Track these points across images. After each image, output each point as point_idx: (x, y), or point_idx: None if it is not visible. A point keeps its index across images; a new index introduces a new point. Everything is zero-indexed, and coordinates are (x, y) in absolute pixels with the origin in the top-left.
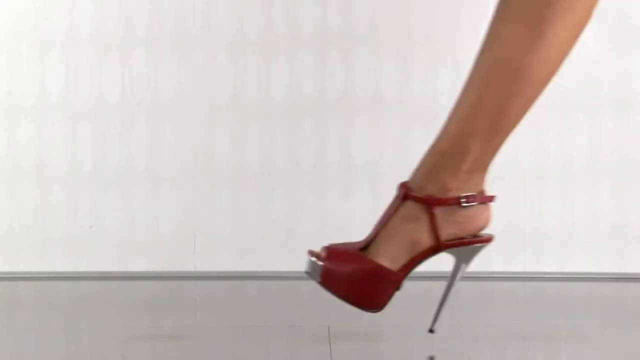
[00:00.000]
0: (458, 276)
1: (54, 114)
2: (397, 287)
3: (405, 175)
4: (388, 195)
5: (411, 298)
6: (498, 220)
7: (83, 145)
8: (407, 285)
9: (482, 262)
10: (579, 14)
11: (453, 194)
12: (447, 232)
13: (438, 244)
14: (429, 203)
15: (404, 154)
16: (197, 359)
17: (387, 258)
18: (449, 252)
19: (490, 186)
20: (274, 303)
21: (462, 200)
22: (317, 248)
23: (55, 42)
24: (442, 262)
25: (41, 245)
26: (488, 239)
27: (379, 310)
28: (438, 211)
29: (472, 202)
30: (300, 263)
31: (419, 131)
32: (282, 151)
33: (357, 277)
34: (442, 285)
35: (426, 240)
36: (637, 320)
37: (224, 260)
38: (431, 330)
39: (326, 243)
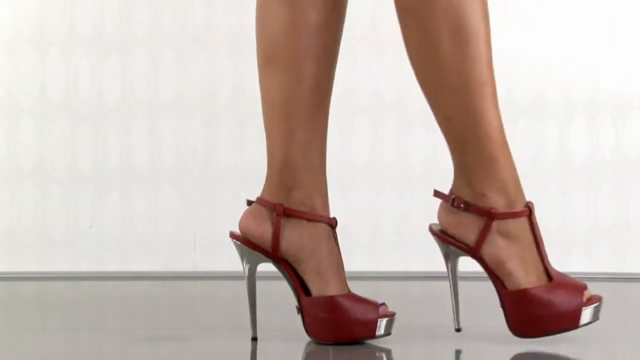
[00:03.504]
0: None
1: (54, 114)
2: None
3: (404, 174)
4: (388, 195)
5: (411, 298)
6: None
7: (83, 145)
8: (405, 285)
9: None
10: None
11: None
12: None
13: None
14: None
15: (404, 154)
16: (197, 359)
17: None
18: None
19: None
20: (274, 303)
21: None
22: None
23: (55, 42)
24: (441, 262)
25: (41, 245)
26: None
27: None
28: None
29: None
30: None
31: (419, 131)
32: None
33: None
34: (439, 285)
35: None
36: (637, 320)
37: (224, 260)
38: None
39: None
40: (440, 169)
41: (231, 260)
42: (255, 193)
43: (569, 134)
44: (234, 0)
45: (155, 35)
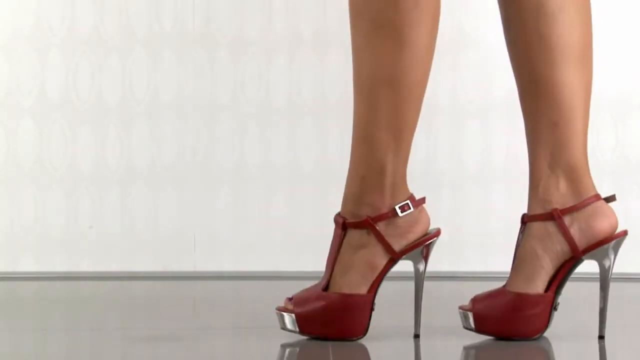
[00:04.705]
0: (423, 276)
1: (54, 114)
2: (372, 308)
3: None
4: None
5: (411, 298)
6: (498, 220)
7: (83, 145)
8: (405, 285)
9: (482, 262)
10: (424, 9)
11: (386, 208)
12: (398, 243)
13: (394, 255)
14: (369, 223)
15: None
16: (197, 359)
17: (349, 288)
18: (406, 259)
19: (490, 186)
20: (274, 303)
21: (398, 210)
22: (284, 300)
23: (55, 42)
24: (441, 262)
25: (41, 245)
26: (436, 234)
27: (363, 336)
28: (381, 227)
29: (408, 209)
30: (300, 263)
31: (419, 131)
32: (282, 151)
33: (330, 312)
34: (440, 285)
35: (382, 258)
36: (637, 320)
37: (224, 260)
38: (417, 336)
39: (324, 245)
40: (440, 169)
41: (231, 260)
42: (255, 192)
43: None
44: (234, 0)
45: (155, 35)
